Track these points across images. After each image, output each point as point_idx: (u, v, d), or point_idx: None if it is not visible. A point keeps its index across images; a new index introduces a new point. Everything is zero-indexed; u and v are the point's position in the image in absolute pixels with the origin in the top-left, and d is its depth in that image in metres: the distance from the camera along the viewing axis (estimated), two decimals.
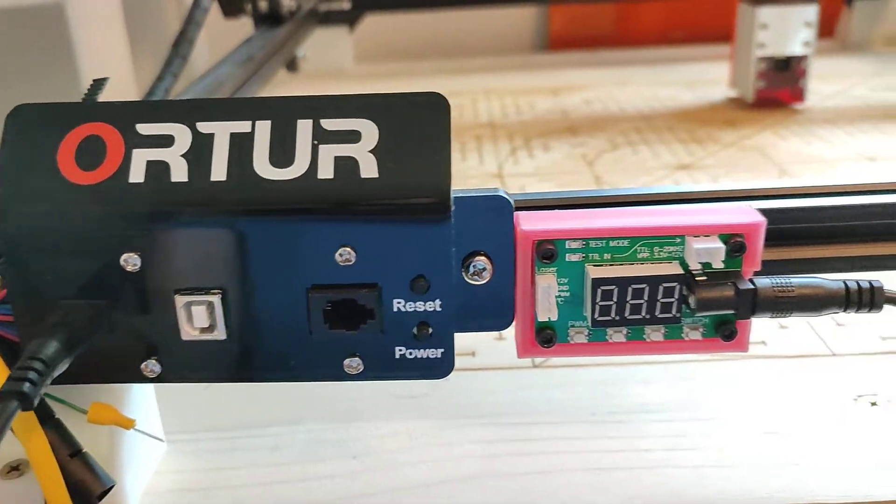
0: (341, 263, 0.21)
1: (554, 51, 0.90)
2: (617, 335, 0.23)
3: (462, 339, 0.23)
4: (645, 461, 0.26)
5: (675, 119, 0.61)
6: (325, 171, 0.21)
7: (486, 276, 0.23)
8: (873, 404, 0.28)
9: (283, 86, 0.75)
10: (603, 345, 0.24)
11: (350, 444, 0.27)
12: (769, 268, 0.24)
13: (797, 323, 0.33)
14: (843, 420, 0.27)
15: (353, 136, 0.21)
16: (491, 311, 0.24)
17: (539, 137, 0.58)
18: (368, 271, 0.21)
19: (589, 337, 0.24)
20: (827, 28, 0.88)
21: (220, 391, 0.30)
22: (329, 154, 0.21)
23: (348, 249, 0.21)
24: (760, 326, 0.33)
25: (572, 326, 0.24)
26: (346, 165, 0.21)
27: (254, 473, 0.26)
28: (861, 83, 0.69)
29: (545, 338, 0.24)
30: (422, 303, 0.22)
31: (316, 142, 0.21)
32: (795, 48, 0.60)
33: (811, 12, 0.59)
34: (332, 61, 0.81)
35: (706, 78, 0.71)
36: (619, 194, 0.24)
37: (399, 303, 0.22)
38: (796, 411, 0.28)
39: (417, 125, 0.21)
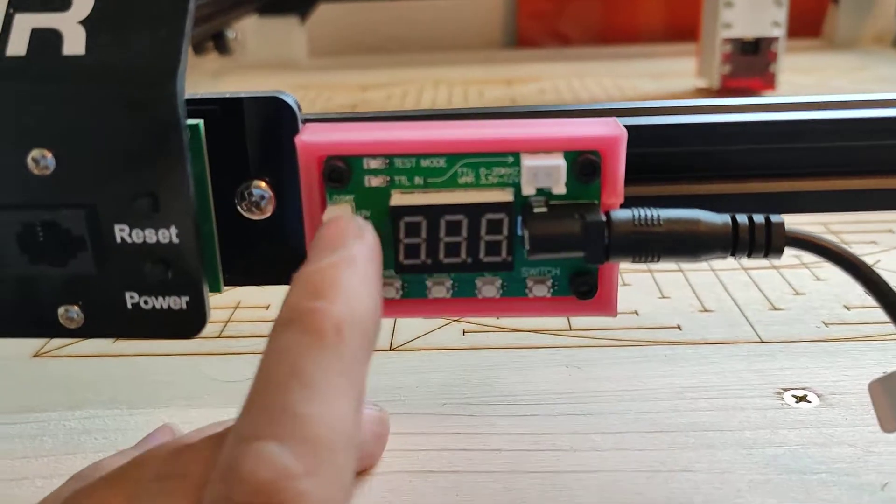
0: (37, 172, 0.16)
1: (522, 48, 0.85)
2: (438, 288, 0.18)
3: None
4: (490, 464, 0.20)
5: None
6: (17, 47, 0.15)
7: (268, 209, 0.18)
8: (802, 399, 0.22)
9: (224, 75, 0.71)
10: (420, 302, 0.18)
11: (128, 433, 0.22)
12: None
13: (722, 304, 0.27)
14: (763, 418, 0.21)
15: (60, 4, 0.16)
16: (279, 255, 0.18)
17: None
18: (77, 185, 0.16)
19: (403, 292, 0.18)
20: (814, 27, 0.83)
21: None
22: (25, 25, 0.16)
23: (44, 153, 0.15)
24: (675, 308, 0.27)
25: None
26: (44, 39, 0.15)
27: None
28: (841, 76, 0.63)
29: None
30: (153, 231, 0.16)
31: (12, 10, 0.16)
32: (765, 29, 0.54)
33: None
34: (283, 53, 0.76)
35: (679, 70, 0.65)
36: (450, 114, 0.19)
37: (122, 230, 0.16)
38: (702, 407, 0.22)
39: None
